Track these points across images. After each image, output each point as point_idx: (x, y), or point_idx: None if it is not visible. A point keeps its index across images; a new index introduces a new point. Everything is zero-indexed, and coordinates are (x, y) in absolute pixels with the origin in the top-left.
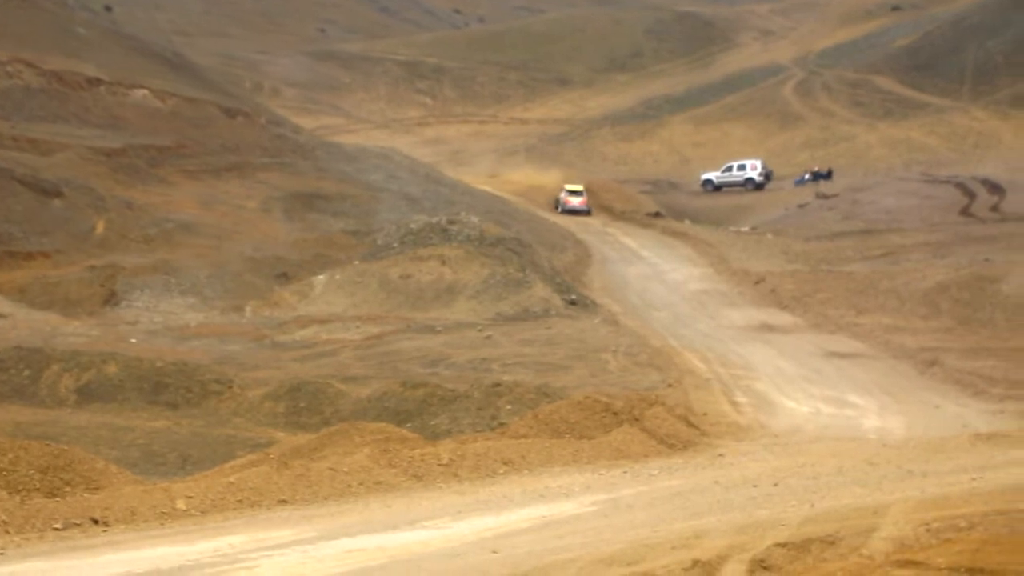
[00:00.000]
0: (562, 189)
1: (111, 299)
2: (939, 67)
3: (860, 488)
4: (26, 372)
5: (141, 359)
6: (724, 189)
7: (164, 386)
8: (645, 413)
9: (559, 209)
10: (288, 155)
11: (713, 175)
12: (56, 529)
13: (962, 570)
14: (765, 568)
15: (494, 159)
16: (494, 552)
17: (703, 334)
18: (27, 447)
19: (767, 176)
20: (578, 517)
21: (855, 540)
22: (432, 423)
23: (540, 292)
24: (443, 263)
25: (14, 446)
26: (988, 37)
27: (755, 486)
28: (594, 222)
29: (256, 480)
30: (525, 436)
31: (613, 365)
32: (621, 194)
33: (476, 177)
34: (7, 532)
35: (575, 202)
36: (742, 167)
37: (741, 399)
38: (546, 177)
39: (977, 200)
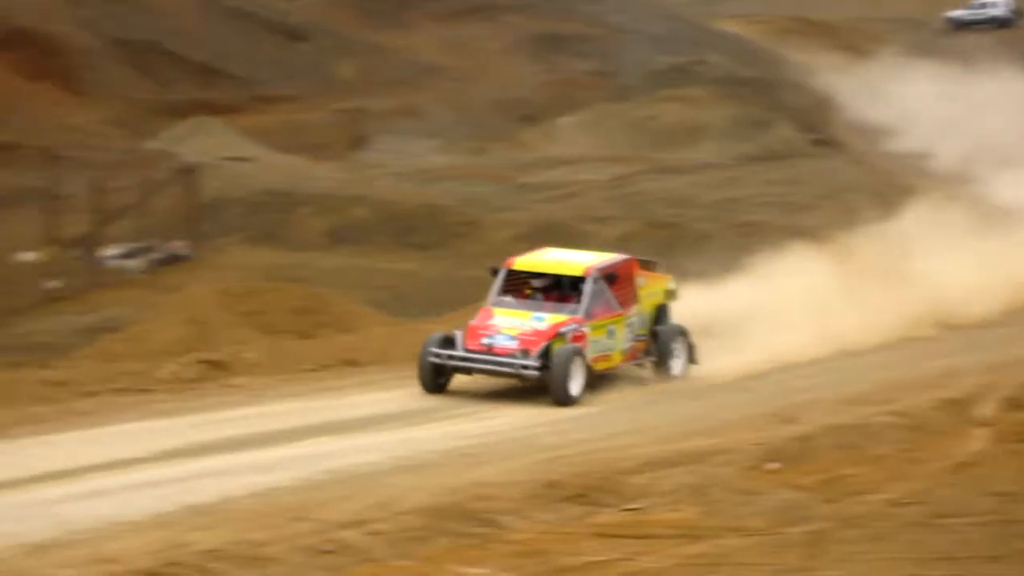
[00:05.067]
0: None
1: (357, 143)
2: None
3: None
4: (275, 215)
5: (389, 202)
6: None
7: (412, 228)
8: None
9: None
10: None
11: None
12: (309, 370)
13: None
14: None
15: None
16: None
17: None
18: (281, 289)
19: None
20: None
21: None
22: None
23: (784, 132)
24: (688, 104)
25: (268, 288)
26: None
27: None
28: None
29: None
30: None
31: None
32: None
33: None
34: (262, 373)
35: None
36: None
37: None
38: None
39: None
